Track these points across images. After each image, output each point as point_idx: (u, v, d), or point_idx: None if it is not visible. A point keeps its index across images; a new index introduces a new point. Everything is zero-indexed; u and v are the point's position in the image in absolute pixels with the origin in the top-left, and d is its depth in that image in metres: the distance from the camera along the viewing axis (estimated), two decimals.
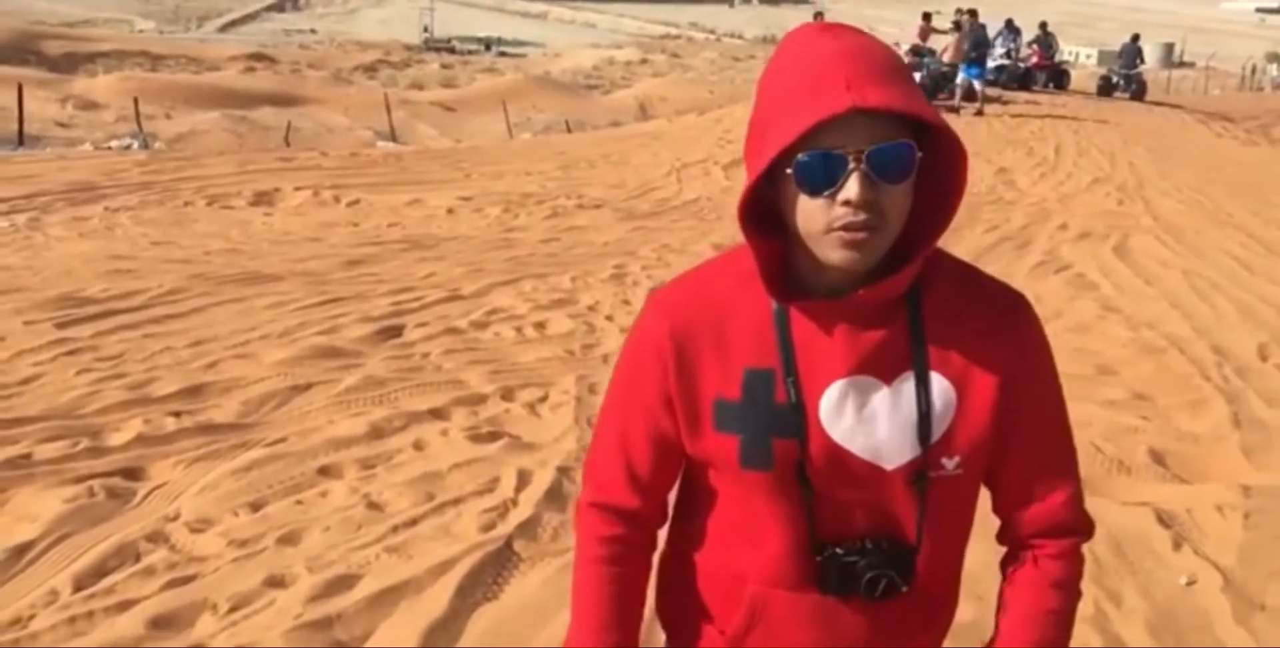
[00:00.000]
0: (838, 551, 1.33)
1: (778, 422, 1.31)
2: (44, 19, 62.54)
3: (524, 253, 8.55)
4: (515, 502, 3.96)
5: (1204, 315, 6.90)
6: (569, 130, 21.57)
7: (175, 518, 3.81)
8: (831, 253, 1.25)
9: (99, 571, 3.37)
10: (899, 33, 17.30)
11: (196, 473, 4.22)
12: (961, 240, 9.01)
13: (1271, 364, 5.98)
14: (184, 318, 6.37)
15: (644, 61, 55.29)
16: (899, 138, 1.21)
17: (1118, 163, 12.96)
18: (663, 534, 1.49)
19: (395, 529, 3.72)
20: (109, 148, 14.33)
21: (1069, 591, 1.39)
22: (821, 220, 1.23)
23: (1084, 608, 3.04)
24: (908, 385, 1.32)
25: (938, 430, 1.32)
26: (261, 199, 10.65)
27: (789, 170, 1.23)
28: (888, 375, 1.32)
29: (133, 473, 4.24)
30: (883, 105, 1.18)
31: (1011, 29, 21.98)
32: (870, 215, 1.21)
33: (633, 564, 1.44)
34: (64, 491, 3.99)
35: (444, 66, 50.06)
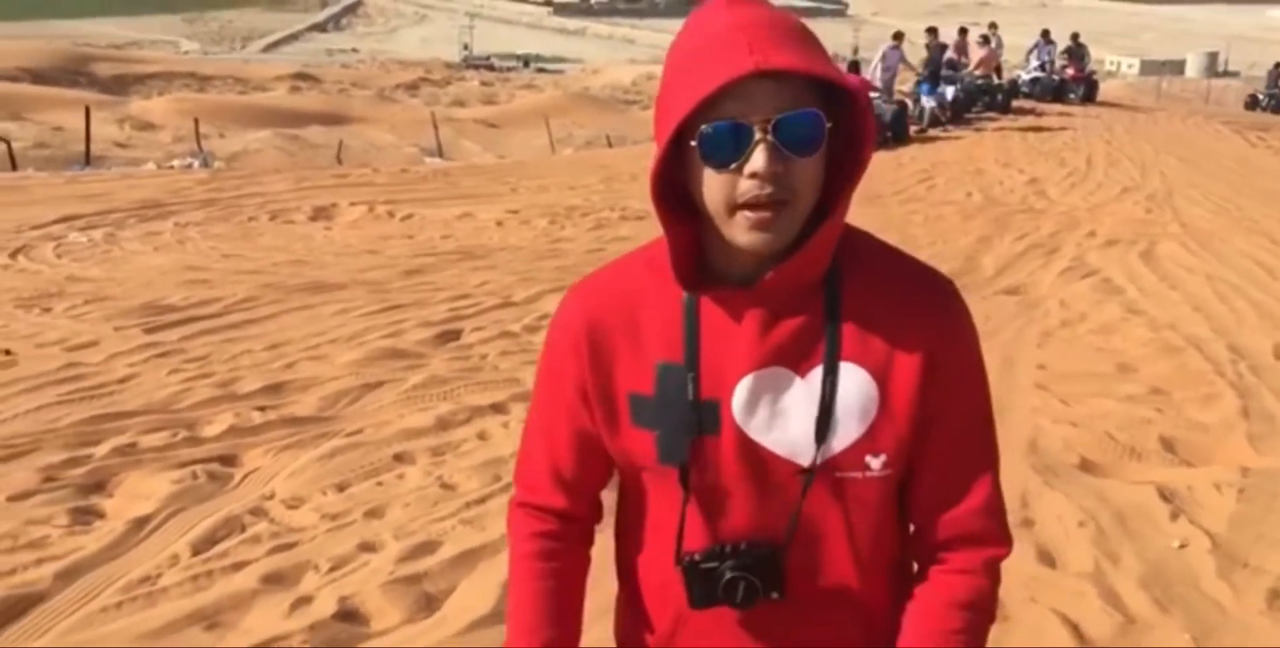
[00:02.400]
0: (695, 557, 1.28)
1: (689, 418, 1.26)
2: (92, 41, 64.22)
3: (571, 262, 8.99)
4: None
5: (1223, 317, 7.20)
6: (610, 145, 22.06)
7: (271, 497, 4.26)
8: (739, 235, 1.19)
9: (211, 539, 3.82)
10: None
11: (285, 460, 4.66)
12: (991, 248, 9.35)
13: None
14: (259, 323, 6.85)
15: None
16: (807, 107, 1.15)
17: (1149, 172, 13.22)
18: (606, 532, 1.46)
19: (468, 505, 4.14)
20: (171, 167, 14.97)
21: (975, 611, 1.29)
22: (727, 196, 1.17)
23: (1083, 566, 3.43)
24: (821, 377, 1.25)
25: (858, 426, 1.25)
26: (320, 214, 11.17)
27: (693, 143, 1.17)
28: (803, 367, 1.25)
29: (228, 460, 4.68)
30: (788, 66, 1.12)
31: (1048, 40, 22.28)
32: (777, 189, 1.15)
33: (566, 559, 1.40)
34: (170, 474, 4.45)
35: (484, 84, 50.90)
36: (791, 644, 1.32)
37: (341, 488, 4.34)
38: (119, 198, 11.56)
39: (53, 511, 4.07)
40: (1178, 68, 58.61)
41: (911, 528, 1.34)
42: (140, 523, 3.96)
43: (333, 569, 3.54)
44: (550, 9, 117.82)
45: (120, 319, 6.81)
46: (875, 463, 1.25)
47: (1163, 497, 4.00)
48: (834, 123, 1.17)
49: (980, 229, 9.98)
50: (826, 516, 1.26)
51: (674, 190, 1.24)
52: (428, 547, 3.71)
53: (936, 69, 17.74)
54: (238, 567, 3.57)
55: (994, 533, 1.29)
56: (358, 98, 33.29)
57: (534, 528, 1.38)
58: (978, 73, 19.25)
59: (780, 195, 1.16)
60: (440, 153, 19.42)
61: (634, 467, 1.31)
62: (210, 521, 3.97)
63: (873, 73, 16.27)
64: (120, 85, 41.73)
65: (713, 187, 1.18)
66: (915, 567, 1.33)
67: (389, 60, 63.81)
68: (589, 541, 1.42)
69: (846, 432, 1.24)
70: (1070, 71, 22.20)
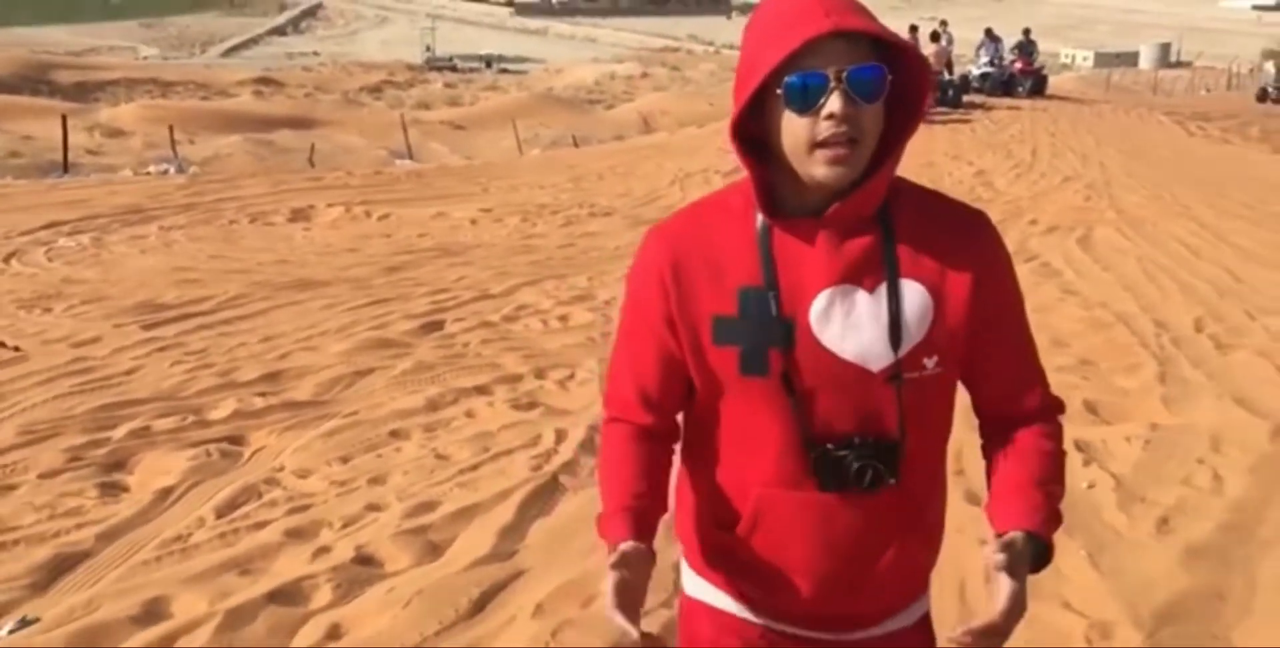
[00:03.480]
0: (828, 447, 1.45)
1: (771, 332, 1.44)
2: (50, 48, 63.65)
3: (544, 257, 9.44)
4: (556, 450, 4.83)
5: (1151, 295, 7.76)
6: (576, 145, 22.49)
7: (281, 469, 4.69)
8: (816, 170, 1.40)
9: (232, 504, 4.25)
10: None
11: (289, 439, 5.09)
12: None
13: (1205, 334, 6.82)
14: (251, 319, 7.26)
15: (644, 75, 56.21)
16: (873, 62, 1.38)
17: (1089, 163, 13.85)
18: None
19: (461, 472, 4.59)
20: (148, 173, 15.26)
21: (1059, 443, 1.56)
22: (807, 136, 1.38)
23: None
24: (886, 291, 1.45)
25: (918, 333, 1.45)
26: (299, 216, 11.56)
27: (779, 91, 1.38)
28: (868, 283, 1.45)
29: (236, 440, 5.10)
30: (860, 28, 1.35)
31: (992, 38, 22.95)
32: (850, 128, 1.37)
33: (654, 448, 1.57)
34: (185, 453, 4.86)
35: (448, 85, 51.00)
36: (860, 532, 1.49)
37: (345, 460, 4.77)
38: (101, 204, 11.88)
39: (82, 485, 4.48)
40: (1131, 59, 59.54)
41: (983, 414, 1.58)
42: (165, 493, 4.38)
43: (345, 525, 3.99)
44: (512, 9, 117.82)
45: (119, 317, 7.20)
46: (929, 363, 1.45)
47: (1078, 448, 4.51)
48: (892, 77, 1.39)
49: None
50: (892, 410, 1.45)
51: (745, 141, 1.46)
52: (428, 506, 4.16)
53: None
54: (260, 526, 4.01)
55: (1056, 402, 1.58)
56: (324, 102, 33.51)
57: (626, 431, 1.57)
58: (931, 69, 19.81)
59: (852, 134, 1.37)
60: (410, 155, 19.77)
61: (717, 383, 1.49)
62: (229, 490, 4.40)
63: None
64: (82, 92, 41.57)
65: (794, 129, 1.39)
66: (997, 435, 1.55)
67: (351, 63, 63.68)
68: (671, 451, 1.59)
69: (909, 338, 1.44)
70: (1019, 66, 22.84)
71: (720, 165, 15.46)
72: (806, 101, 1.37)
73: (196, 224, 11.04)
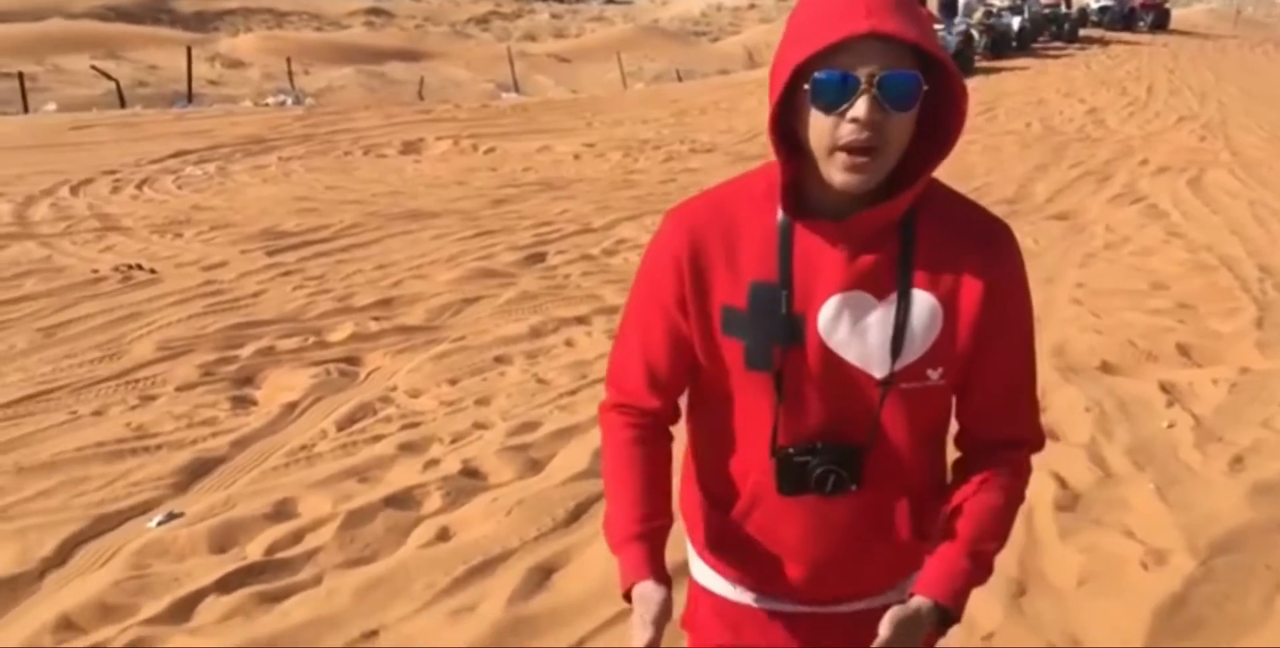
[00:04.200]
0: (789, 451, 1.46)
1: (778, 330, 1.43)
2: None
3: (644, 192, 9.62)
4: None
5: (1259, 239, 7.63)
6: (679, 79, 22.44)
7: (395, 389, 5.02)
8: (835, 174, 1.35)
9: (351, 419, 4.59)
10: None
11: (402, 361, 5.42)
12: (1045, 176, 9.79)
13: None
14: (365, 247, 7.63)
15: (752, 6, 55.31)
16: (909, 68, 1.32)
17: (1207, 101, 13.42)
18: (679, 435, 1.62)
19: (560, 396, 4.86)
20: (267, 104, 15.78)
21: (1017, 490, 1.52)
22: (830, 136, 1.33)
23: (1080, 437, 4.07)
24: (896, 302, 1.43)
25: (923, 344, 1.43)
26: (410, 148, 11.91)
27: (806, 87, 1.33)
28: (880, 292, 1.43)
29: (354, 360, 5.45)
30: (898, 33, 1.28)
31: None
32: (873, 135, 1.32)
33: (656, 447, 1.56)
34: (307, 371, 5.23)
35: (554, 17, 50.96)
36: (852, 526, 1.51)
37: (453, 382, 5.08)
38: (223, 134, 12.40)
39: (216, 398, 4.87)
40: None
41: (958, 429, 1.56)
42: (290, 407, 4.74)
43: (454, 441, 4.29)
44: None
45: (244, 243, 7.63)
46: (933, 375, 1.45)
47: (1163, 389, 4.59)
48: (930, 87, 1.33)
49: (1037, 158, 10.40)
50: (893, 419, 1.45)
51: (783, 130, 1.41)
52: (530, 426, 4.44)
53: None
54: (376, 439, 4.34)
55: (1034, 435, 1.55)
56: (433, 33, 33.82)
57: (628, 422, 1.56)
58: (1045, 2, 19.24)
59: (874, 142, 1.32)
60: (516, 88, 19.99)
61: (721, 372, 1.48)
62: (348, 406, 4.74)
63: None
64: (200, 22, 42.65)
65: (818, 128, 1.34)
66: (963, 459, 1.55)
67: None
68: (671, 437, 1.58)
69: (913, 349, 1.43)
70: (1139, 0, 21.98)
71: None
72: (833, 102, 1.32)
73: (313, 155, 11.46)
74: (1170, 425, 4.15)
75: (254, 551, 3.24)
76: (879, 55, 1.30)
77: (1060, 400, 4.55)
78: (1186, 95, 13.90)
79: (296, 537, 3.34)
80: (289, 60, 18.95)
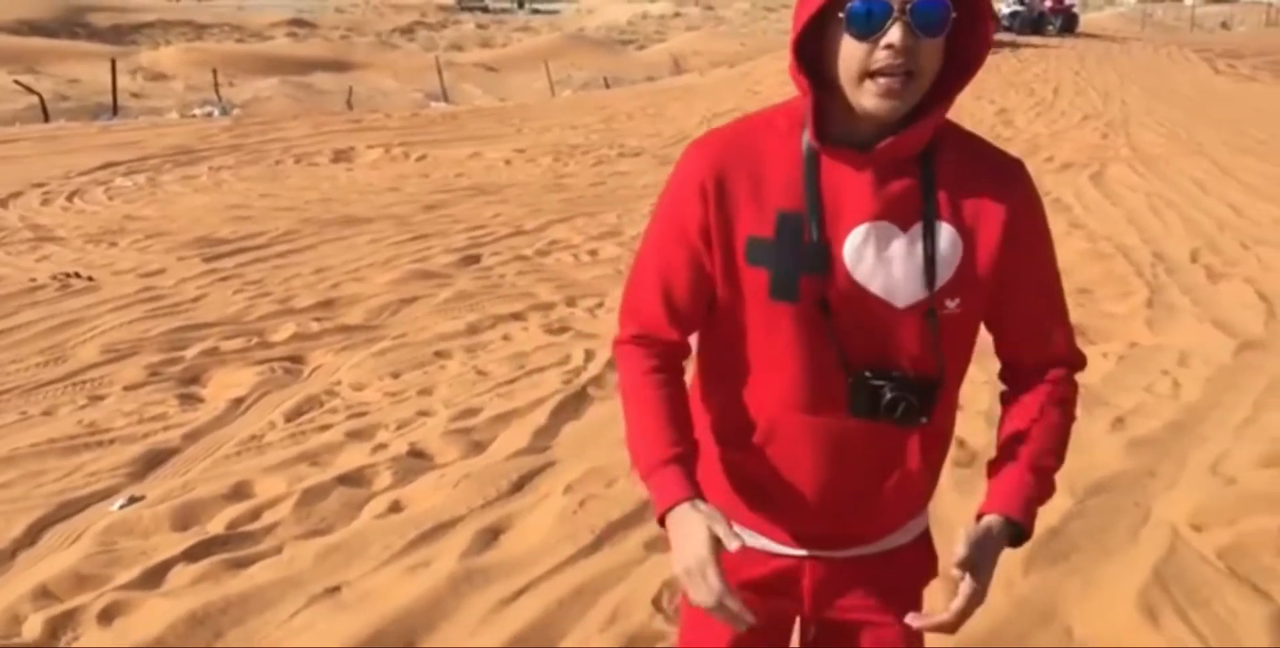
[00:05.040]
0: (866, 374, 1.47)
1: (805, 259, 1.44)
2: None
3: (575, 195, 9.89)
4: (585, 368, 5.33)
5: (1154, 229, 8.12)
6: (607, 86, 22.76)
7: (339, 383, 5.22)
8: (867, 100, 1.38)
9: (298, 411, 4.79)
10: None
11: (344, 358, 5.61)
12: None
13: (1199, 264, 7.20)
14: (302, 252, 7.79)
15: (677, 15, 55.91)
16: None
17: (1111, 101, 14.06)
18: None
19: (500, 385, 5.10)
20: (194, 115, 15.77)
21: (1069, 408, 1.57)
22: (863, 63, 1.37)
23: (981, 406, 4.40)
24: (920, 232, 1.45)
25: (944, 274, 1.45)
26: (341, 156, 12.05)
27: (841, 15, 1.37)
28: (904, 223, 1.45)
29: (297, 359, 5.63)
30: None
31: None
32: (907, 60, 1.36)
33: (675, 380, 1.57)
34: (252, 369, 5.40)
35: (480, 26, 51.05)
36: (869, 457, 1.53)
37: (396, 376, 5.29)
38: (152, 145, 12.42)
39: (164, 396, 5.03)
40: None
41: (1001, 362, 1.60)
42: (238, 402, 4.92)
43: (399, 427, 4.52)
44: None
45: (180, 250, 7.75)
46: (951, 304, 1.46)
47: None
48: (957, 14, 1.38)
49: None
50: (922, 347, 1.47)
51: (805, 61, 1.44)
52: (472, 412, 4.68)
53: None
54: (324, 428, 4.54)
55: (1076, 354, 1.59)
56: (359, 44, 33.79)
57: (646, 354, 1.57)
58: None
59: (908, 66, 1.36)
60: (445, 97, 20.15)
61: (743, 303, 1.49)
62: (294, 400, 4.93)
63: None
64: (118, 35, 42.07)
65: (851, 55, 1.38)
66: (1010, 388, 1.59)
67: (383, 4, 63.58)
68: (685, 369, 1.60)
69: (937, 279, 1.45)
70: (1049, 4, 22.79)
71: (748, 106, 15.76)
72: (868, 28, 1.36)
73: (244, 164, 11.55)
74: None
75: (215, 526, 3.45)
76: None
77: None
78: (1091, 95, 14.54)
79: (255, 514, 3.55)
80: (215, 72, 18.91)
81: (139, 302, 6.49)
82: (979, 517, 1.46)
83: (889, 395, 1.46)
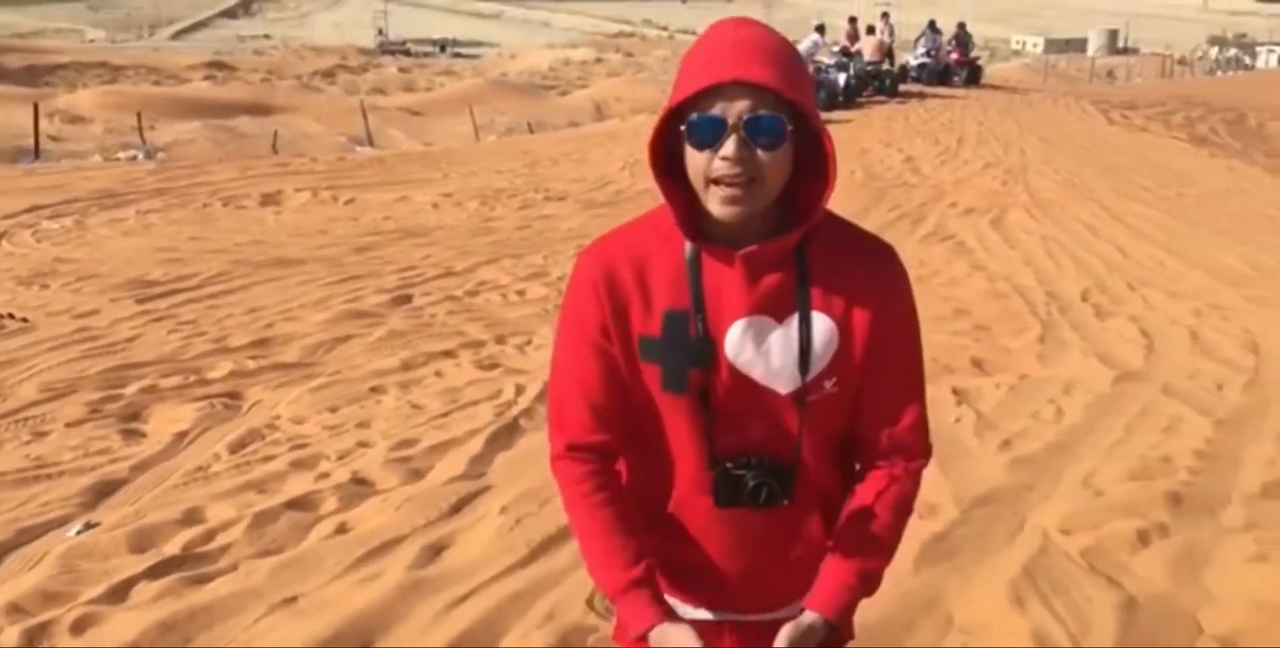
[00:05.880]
0: (728, 465, 1.57)
1: (691, 354, 1.54)
2: None
3: (502, 238, 10.20)
4: (516, 401, 5.61)
5: (1048, 270, 8.68)
6: (531, 131, 23.17)
7: (279, 417, 5.43)
8: (714, 206, 1.50)
9: (242, 443, 5.00)
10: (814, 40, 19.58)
11: (282, 394, 5.82)
12: (868, 217, 10.74)
13: (1089, 303, 7.73)
14: (234, 293, 7.97)
15: (599, 61, 56.69)
16: (775, 112, 1.46)
17: (1010, 150, 14.82)
18: None
19: (435, 418, 5.36)
20: (118, 159, 15.79)
21: (906, 505, 1.63)
22: (705, 171, 1.48)
23: None
24: (796, 323, 1.55)
25: (823, 359, 1.56)
26: (269, 200, 12.21)
27: (683, 128, 1.49)
28: (780, 315, 1.55)
29: (236, 395, 5.82)
30: (761, 81, 1.44)
31: (934, 30, 23.93)
32: (743, 170, 1.46)
33: (615, 488, 1.63)
34: (192, 405, 5.59)
35: (402, 70, 51.18)
36: (772, 537, 1.63)
37: (333, 410, 5.52)
38: (77, 188, 12.45)
39: (107, 431, 5.20)
40: (1081, 45, 60.85)
41: (858, 439, 1.66)
42: (181, 436, 5.11)
43: (340, 457, 4.76)
44: None
45: (113, 292, 7.88)
46: (829, 385, 1.57)
47: (954, 393, 5.39)
48: (798, 128, 1.49)
49: (859, 202, 11.40)
50: (808, 433, 1.58)
51: (673, 162, 1.56)
52: (409, 442, 4.94)
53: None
54: (267, 459, 4.77)
55: (921, 446, 1.65)
56: (280, 87, 33.82)
57: (583, 471, 1.62)
58: (869, 59, 20.77)
59: (746, 175, 1.47)
60: (370, 141, 20.38)
61: (644, 397, 1.59)
62: (236, 433, 5.14)
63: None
64: (31, 76, 41.43)
65: (694, 164, 1.50)
66: (858, 468, 1.66)
67: (303, 46, 63.51)
68: (620, 474, 1.67)
69: (815, 366, 1.56)
70: (955, 57, 23.83)
71: None
72: (705, 141, 1.47)
73: (172, 207, 11.66)
74: (957, 420, 4.94)
75: (171, 548, 3.66)
76: (747, 101, 1.45)
77: None
78: (993, 144, 15.29)
79: (209, 536, 3.77)
80: (139, 115, 18.91)
81: (75, 342, 6.63)
82: (803, 608, 1.58)
83: (751, 484, 1.56)
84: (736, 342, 1.55)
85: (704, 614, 1.70)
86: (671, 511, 1.63)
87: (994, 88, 24.12)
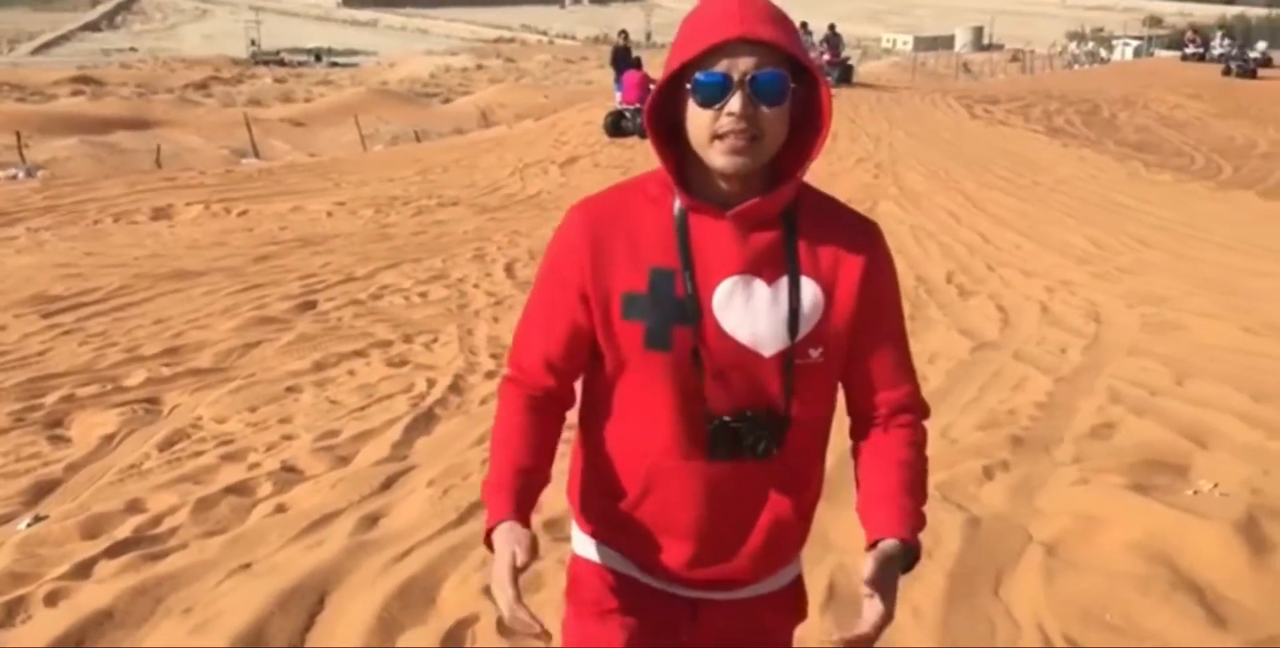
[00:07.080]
0: (725, 418, 1.58)
1: (677, 311, 1.56)
2: None
3: (400, 243, 10.49)
4: (429, 393, 5.97)
5: (917, 256, 9.35)
6: (418, 139, 23.33)
7: (201, 418, 5.68)
8: (717, 159, 1.52)
9: (169, 442, 5.25)
10: None
11: (200, 397, 6.06)
12: None
13: (953, 284, 8.39)
14: (140, 305, 8.12)
15: (480, 67, 56.76)
16: (778, 69, 1.49)
17: (881, 145, 15.63)
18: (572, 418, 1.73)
19: (353, 411, 5.68)
20: None
21: (923, 450, 1.67)
22: (710, 128, 1.51)
23: None
24: (784, 286, 1.57)
25: (807, 325, 1.57)
26: (160, 214, 12.27)
27: (688, 86, 1.51)
28: (768, 275, 1.58)
29: (155, 400, 6.04)
30: (767, 38, 1.48)
31: (806, 31, 24.71)
32: (749, 125, 1.49)
33: (546, 415, 1.68)
34: (113, 410, 5.79)
35: (278, 81, 50.55)
36: (745, 499, 1.65)
37: (253, 409, 5.79)
38: None
39: (34, 438, 5.39)
40: (949, 43, 63.05)
41: (853, 415, 1.70)
42: (109, 439, 5.34)
43: (268, 449, 5.06)
44: (339, 0, 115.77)
45: (16, 309, 7.96)
46: (814, 353, 1.59)
47: None
48: (800, 86, 1.53)
49: None
50: (780, 391, 1.59)
51: (666, 125, 1.59)
52: (332, 433, 5.26)
53: None
54: (197, 455, 5.04)
55: (922, 406, 1.71)
56: (156, 101, 33.24)
57: (521, 394, 1.69)
58: None
59: (752, 131, 1.50)
60: (256, 153, 20.33)
61: (621, 357, 1.61)
62: (162, 433, 5.38)
63: None
64: None
65: (698, 121, 1.52)
66: (865, 438, 1.68)
67: (172, 59, 62.16)
68: (564, 415, 1.72)
69: (801, 328, 1.58)
70: (827, 57, 24.68)
71: (556, 156, 16.67)
72: (710, 98, 1.50)
73: (63, 225, 11.65)
74: None
75: (122, 533, 3.93)
76: (750, 57, 1.49)
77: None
78: (864, 140, 16.06)
79: (156, 521, 4.06)
80: (18, 134, 18.56)
81: None
82: (872, 544, 1.55)
83: (749, 436, 1.59)
84: (723, 301, 1.57)
85: (672, 589, 1.72)
86: (643, 475, 1.65)
87: (866, 86, 25.07)
